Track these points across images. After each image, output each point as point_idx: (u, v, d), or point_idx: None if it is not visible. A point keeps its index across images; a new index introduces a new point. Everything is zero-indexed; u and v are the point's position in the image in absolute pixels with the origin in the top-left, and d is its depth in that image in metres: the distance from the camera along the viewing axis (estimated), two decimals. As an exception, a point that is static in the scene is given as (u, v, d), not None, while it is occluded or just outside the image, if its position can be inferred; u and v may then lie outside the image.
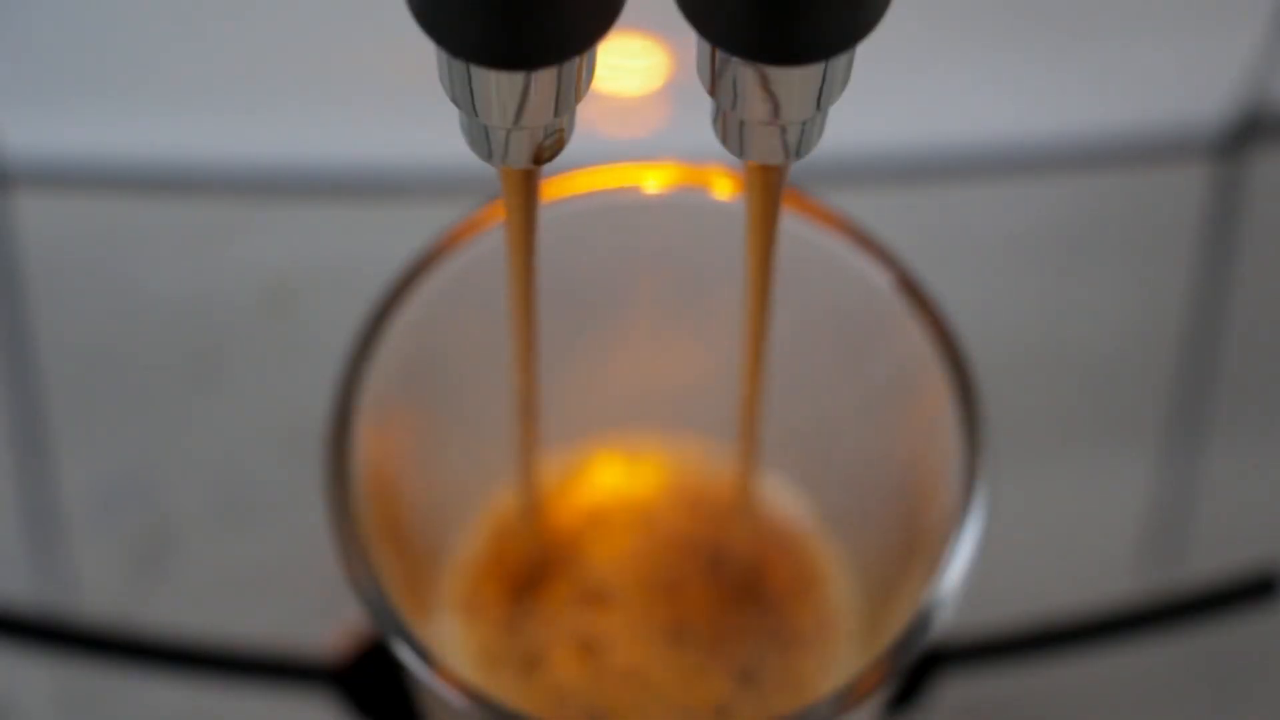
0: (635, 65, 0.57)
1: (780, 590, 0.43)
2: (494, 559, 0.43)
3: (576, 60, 0.30)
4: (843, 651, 0.42)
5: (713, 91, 0.31)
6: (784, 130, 0.32)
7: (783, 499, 0.44)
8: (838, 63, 0.30)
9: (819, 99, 0.31)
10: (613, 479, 0.44)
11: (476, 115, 0.31)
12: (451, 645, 0.42)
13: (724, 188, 0.41)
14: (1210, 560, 0.52)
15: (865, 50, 0.31)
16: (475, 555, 0.43)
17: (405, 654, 0.36)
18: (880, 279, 0.40)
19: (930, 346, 0.39)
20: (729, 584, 0.43)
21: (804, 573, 0.43)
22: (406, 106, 0.55)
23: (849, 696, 0.36)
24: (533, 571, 0.43)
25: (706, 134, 0.33)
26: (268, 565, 0.52)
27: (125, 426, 0.54)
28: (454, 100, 0.31)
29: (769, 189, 0.34)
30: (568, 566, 0.43)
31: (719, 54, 0.30)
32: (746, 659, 0.42)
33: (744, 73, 0.30)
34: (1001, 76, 0.58)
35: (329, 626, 0.46)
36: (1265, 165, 0.57)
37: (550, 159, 0.32)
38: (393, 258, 0.41)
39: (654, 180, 0.41)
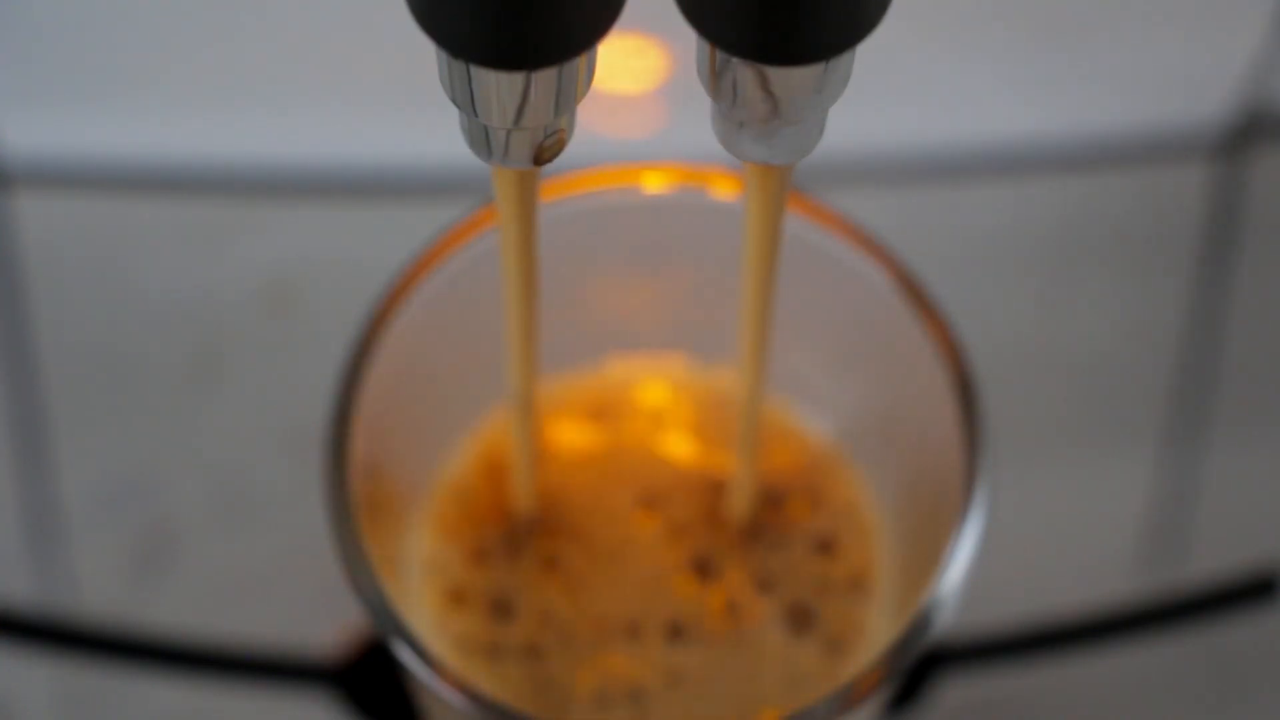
0: (635, 65, 0.57)
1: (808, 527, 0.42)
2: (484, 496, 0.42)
3: (577, 60, 0.30)
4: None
5: (713, 91, 0.31)
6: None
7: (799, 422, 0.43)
8: (838, 63, 0.30)
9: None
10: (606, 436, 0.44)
11: (477, 115, 0.31)
12: (419, 604, 0.41)
13: (724, 188, 0.41)
14: (1210, 560, 0.52)
15: (865, 50, 0.31)
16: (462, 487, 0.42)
17: (405, 654, 0.36)
18: (880, 279, 0.40)
19: (930, 346, 0.39)
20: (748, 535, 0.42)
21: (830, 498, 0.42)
22: (406, 106, 0.55)
23: (849, 696, 0.36)
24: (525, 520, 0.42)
25: (706, 134, 0.33)
26: (268, 565, 0.52)
27: (125, 426, 0.54)
28: (454, 101, 0.31)
29: (769, 190, 0.34)
30: (563, 528, 0.42)
31: (719, 54, 0.30)
32: (792, 604, 0.41)
33: (744, 73, 0.30)
34: (1001, 77, 0.58)
35: (329, 626, 0.46)
36: (1265, 165, 0.57)
37: (551, 159, 0.32)
38: (393, 258, 0.41)
39: (654, 180, 0.41)
